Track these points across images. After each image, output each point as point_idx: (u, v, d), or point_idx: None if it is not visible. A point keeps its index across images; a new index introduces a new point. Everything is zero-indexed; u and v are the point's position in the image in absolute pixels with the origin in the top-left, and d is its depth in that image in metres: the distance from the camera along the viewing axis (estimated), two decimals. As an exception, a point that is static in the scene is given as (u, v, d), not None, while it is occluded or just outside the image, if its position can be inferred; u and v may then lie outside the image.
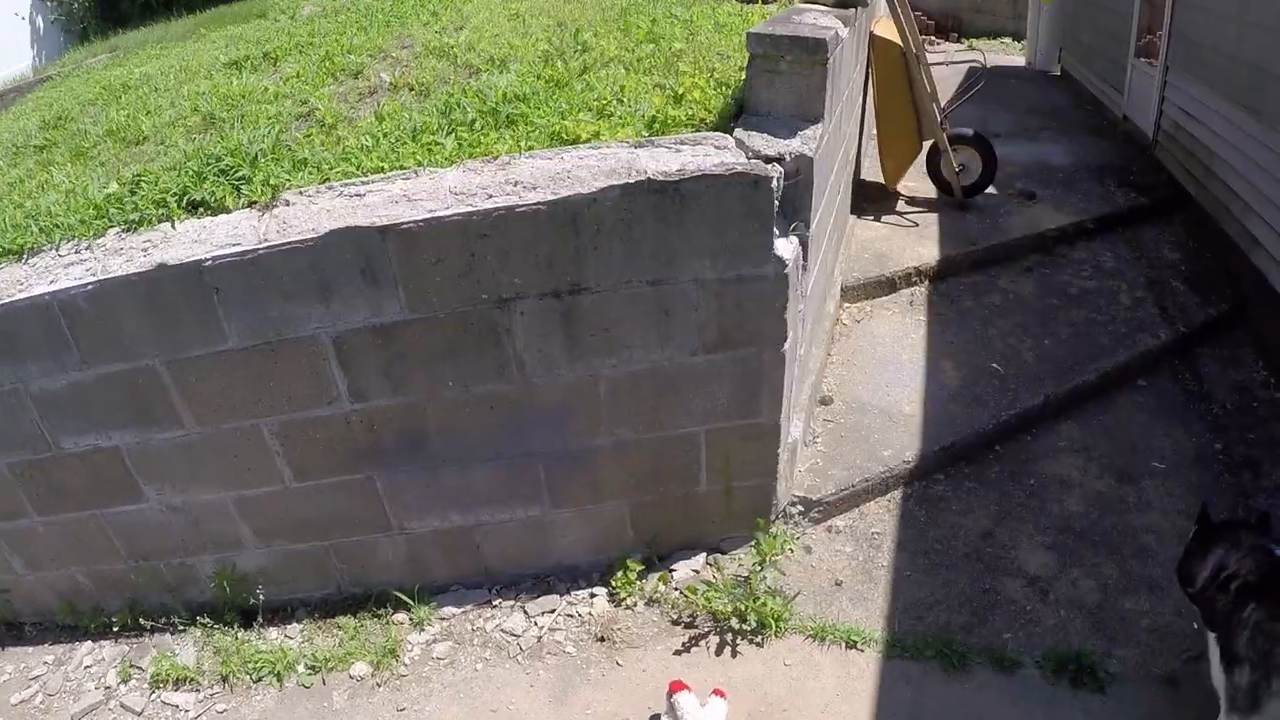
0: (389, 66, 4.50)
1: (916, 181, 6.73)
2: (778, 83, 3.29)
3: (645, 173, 2.90)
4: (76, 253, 3.25)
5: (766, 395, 3.40)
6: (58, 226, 3.39)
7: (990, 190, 6.60)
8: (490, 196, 2.94)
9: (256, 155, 3.55)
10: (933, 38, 14.03)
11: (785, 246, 3.12)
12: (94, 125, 4.63)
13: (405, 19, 5.56)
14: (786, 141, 3.16)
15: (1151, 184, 7.17)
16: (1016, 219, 6.37)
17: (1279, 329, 5.03)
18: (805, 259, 3.37)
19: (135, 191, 3.49)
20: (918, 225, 6.24)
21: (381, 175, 3.24)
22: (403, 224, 2.95)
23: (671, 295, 3.10)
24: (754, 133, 3.19)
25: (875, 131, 6.35)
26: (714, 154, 3.04)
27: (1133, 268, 6.06)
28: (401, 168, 3.28)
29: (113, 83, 5.57)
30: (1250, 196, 5.36)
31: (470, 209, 2.92)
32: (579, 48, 4.25)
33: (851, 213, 6.05)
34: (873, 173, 6.77)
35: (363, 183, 3.20)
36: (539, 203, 2.90)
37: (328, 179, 3.34)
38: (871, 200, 6.55)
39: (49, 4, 10.31)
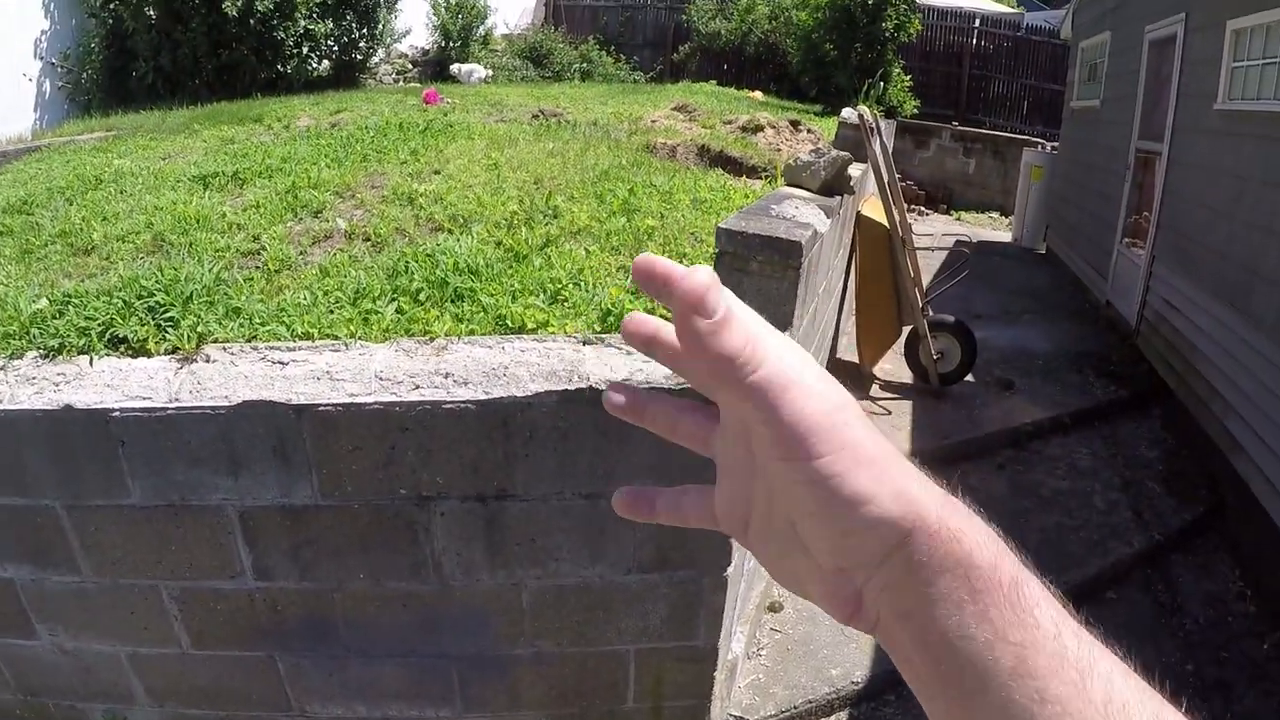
0: (351, 209, 4.32)
1: (893, 364, 6.57)
2: (746, 284, 3.08)
3: (588, 379, 2.65)
4: (-10, 373, 2.98)
5: (705, 618, 3.10)
6: (-20, 337, 3.13)
7: (968, 377, 6.44)
8: (417, 387, 2.69)
9: (191, 295, 3.32)
10: (922, 208, 14.26)
11: (737, 467, 2.86)
12: (51, 221, 4.43)
13: (384, 154, 5.43)
14: (749, 352, 2.93)
15: (1131, 375, 7.09)
16: (992, 410, 6.20)
17: (1257, 537, 4.84)
18: (760, 474, 3.11)
19: (62, 313, 3.24)
20: (890, 413, 6.03)
21: (309, 343, 2.99)
22: (320, 405, 2.69)
23: (608, 511, 2.81)
24: (715, 338, 2.97)
25: (855, 311, 6.20)
26: (667, 362, 2.80)
27: (1108, 466, 5.90)
28: (333, 336, 3.04)
29: (87, 173, 5.40)
30: (1233, 396, 5.24)
31: (394, 398, 2.66)
32: (549, 212, 4.07)
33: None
34: (849, 351, 6.60)
35: (289, 349, 2.96)
36: (468, 401, 2.64)
37: (255, 336, 3.10)
38: (846, 382, 6.23)
39: (59, 70, 10.29)
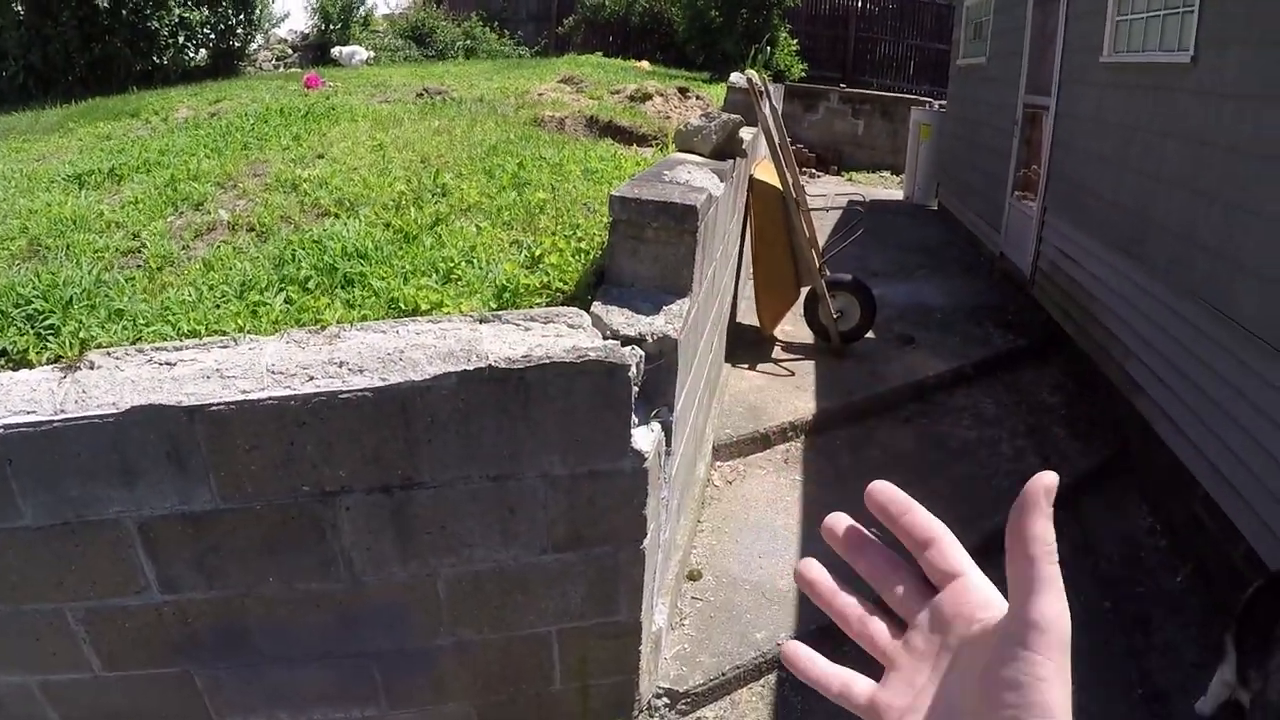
0: (233, 199, 4.16)
1: (794, 326, 6.60)
2: (642, 251, 3.03)
3: (487, 358, 2.58)
4: None
5: (625, 593, 3.07)
6: None
7: (868, 335, 6.50)
8: (311, 378, 2.59)
9: (70, 300, 3.16)
10: (813, 170, 14.39)
11: (645, 437, 2.82)
12: (-83, 234, 4.17)
13: (265, 141, 5.25)
14: (649, 320, 2.89)
15: (1029, 324, 7.23)
16: (894, 366, 6.27)
17: (1163, 475, 4.97)
18: (669, 444, 3.08)
19: (-65, 327, 3.06)
20: (793, 374, 6.05)
21: (197, 341, 2.87)
22: (212, 405, 2.58)
23: (517, 492, 2.77)
24: (614, 308, 2.92)
25: (752, 275, 6.21)
26: (567, 335, 2.74)
27: (1013, 414, 6.00)
28: (221, 332, 2.92)
29: (-44, 180, 5.09)
30: (1131, 341, 5.36)
31: (288, 392, 2.56)
32: (437, 191, 3.97)
33: (726, 360, 5.84)
34: (749, 315, 6.60)
35: (175, 349, 2.83)
36: (365, 389, 2.55)
37: (140, 337, 2.96)
38: (747, 346, 6.36)
39: None
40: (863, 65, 17.68)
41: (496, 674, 3.21)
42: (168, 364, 2.77)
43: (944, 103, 12.68)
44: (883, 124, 15.55)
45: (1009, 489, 5.00)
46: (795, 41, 14.34)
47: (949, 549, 0.63)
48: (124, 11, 9.98)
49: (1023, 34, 8.27)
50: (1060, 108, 7.10)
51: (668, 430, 3.02)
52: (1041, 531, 0.56)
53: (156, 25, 10.37)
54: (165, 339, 2.93)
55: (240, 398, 2.58)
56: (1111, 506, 5.16)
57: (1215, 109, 4.53)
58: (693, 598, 4.06)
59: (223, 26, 11.79)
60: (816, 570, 0.71)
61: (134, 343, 2.94)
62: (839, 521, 0.69)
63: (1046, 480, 0.57)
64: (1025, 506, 0.57)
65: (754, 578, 4.19)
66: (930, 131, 11.93)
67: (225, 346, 2.81)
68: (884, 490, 0.65)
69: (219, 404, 2.58)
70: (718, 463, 5.10)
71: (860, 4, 17.72)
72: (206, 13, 11.24)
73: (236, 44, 12.28)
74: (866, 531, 0.69)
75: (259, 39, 13.32)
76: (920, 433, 5.66)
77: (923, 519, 0.64)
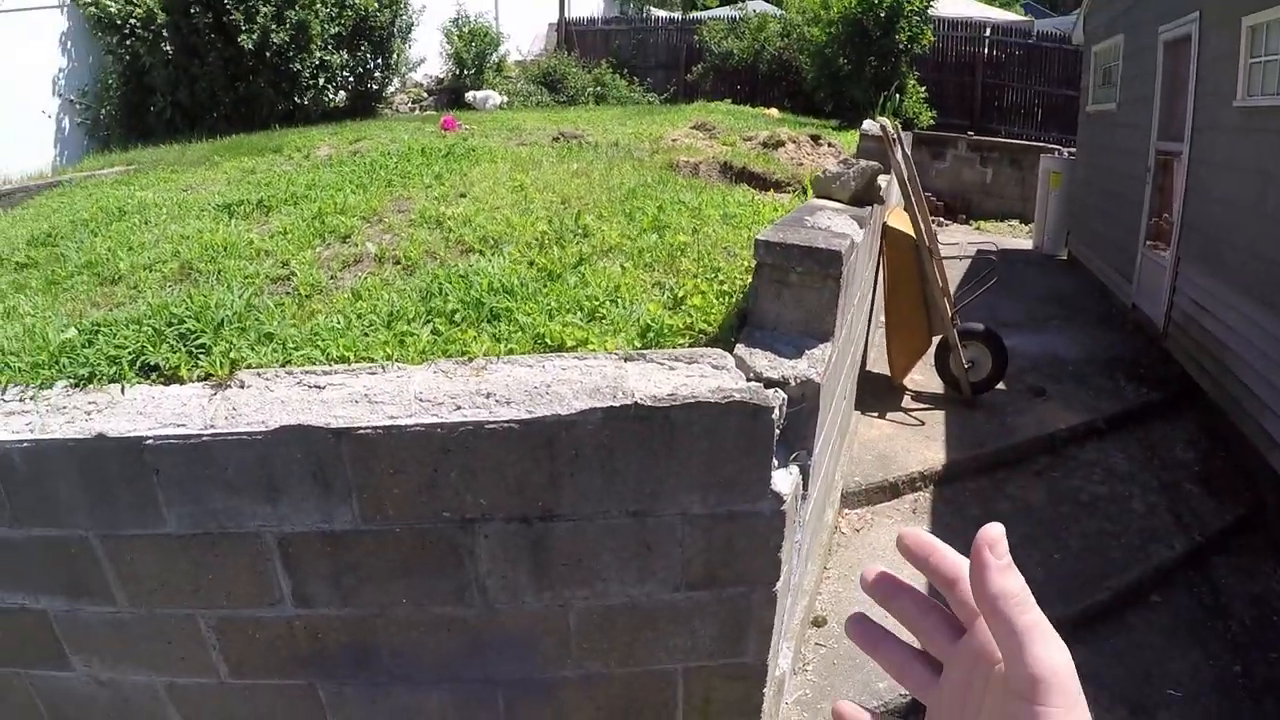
0: (379, 234, 4.30)
1: (924, 375, 6.52)
2: (785, 295, 3.04)
3: (632, 396, 2.61)
4: (21, 401, 2.95)
5: (754, 635, 3.05)
6: (8, 367, 3.11)
7: (999, 385, 6.39)
8: (459, 408, 2.65)
9: (222, 321, 3.31)
10: (942, 219, 14.26)
11: (784, 480, 2.81)
12: (77, 252, 4.43)
13: (408, 179, 5.43)
14: (792, 363, 2.89)
15: (1162, 377, 7.04)
16: (1026, 418, 6.14)
17: None
18: (805, 487, 3.06)
19: (92, 342, 3.22)
20: (923, 424, 5.98)
21: (346, 366, 2.97)
22: (360, 429, 2.66)
23: (655, 529, 2.79)
24: (757, 350, 2.92)
25: (884, 322, 6.16)
26: (711, 375, 2.76)
27: (1145, 469, 5.84)
28: (369, 359, 3.02)
29: (110, 205, 5.41)
30: (1267, 394, 5.22)
31: (435, 420, 2.63)
32: (579, 232, 4.04)
33: (855, 408, 5.79)
34: (879, 363, 6.55)
35: (324, 373, 2.93)
36: (512, 421, 2.60)
37: (290, 360, 3.07)
38: (877, 395, 6.32)
39: (78, 106, 10.43)
40: (990, 112, 17.44)
41: (619, 708, 3.21)
42: (316, 387, 2.86)
43: (1073, 150, 12.44)
44: (1011, 172, 15.31)
45: (1140, 546, 4.90)
46: (923, 89, 14.26)
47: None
48: (268, 54, 10.45)
49: (1153, 79, 8.10)
50: (1193, 154, 6.93)
51: (805, 474, 3.01)
52: (1001, 587, 0.56)
53: (299, 67, 10.82)
54: (314, 363, 3.04)
55: (388, 423, 2.65)
56: (1244, 568, 5.00)
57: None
58: (816, 644, 4.01)
59: (361, 70, 12.25)
60: (861, 625, 0.74)
61: (283, 365, 3.05)
62: (870, 571, 0.71)
63: (990, 534, 0.57)
64: (975, 568, 0.57)
65: (879, 627, 4.13)
66: (1060, 179, 11.70)
67: (373, 373, 2.90)
68: (912, 535, 0.65)
69: (366, 428, 2.66)
70: (845, 510, 5.05)
71: (987, 51, 17.50)
72: (346, 56, 11.68)
73: (374, 86, 12.73)
74: (897, 577, 0.71)
75: (396, 82, 13.77)
76: (1050, 486, 5.53)
77: (949, 559, 0.63)
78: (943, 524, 4.99)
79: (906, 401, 6.34)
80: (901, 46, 12.94)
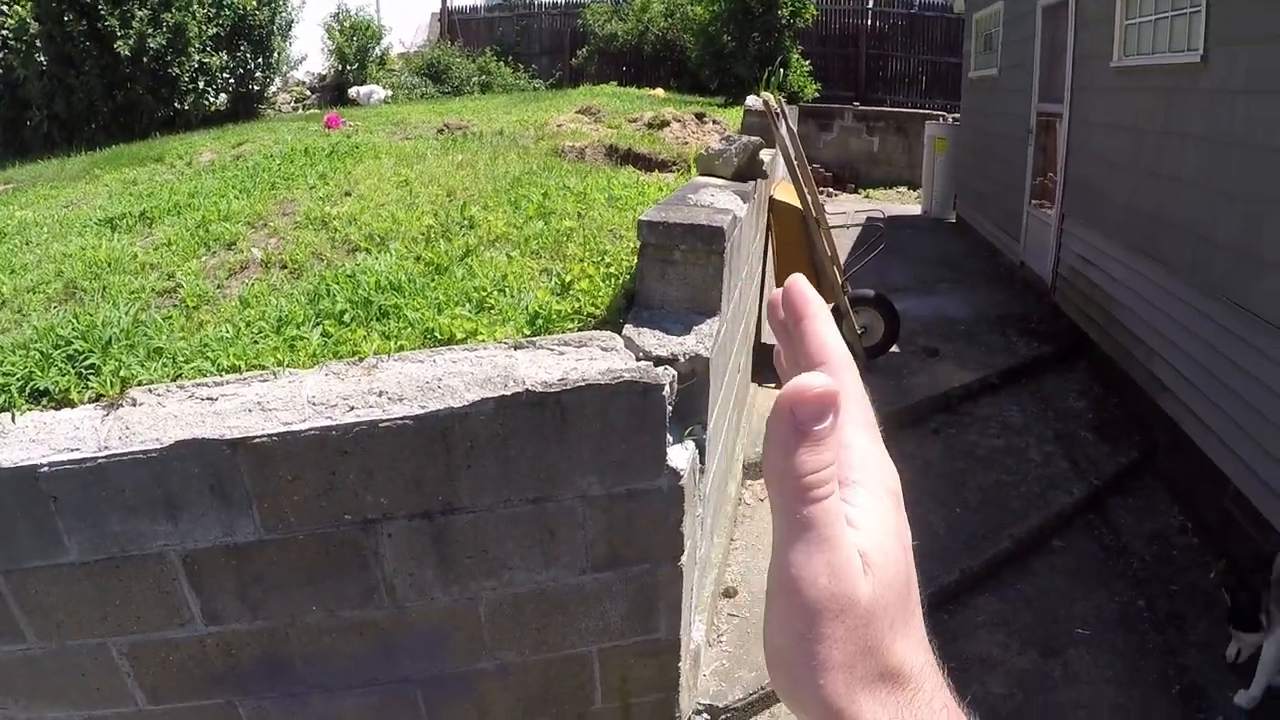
0: (264, 238, 4.24)
1: (820, 343, 6.61)
2: (671, 273, 3.09)
3: (523, 383, 2.63)
4: (-94, 440, 2.86)
5: (664, 610, 3.10)
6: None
7: (893, 349, 6.53)
8: (352, 408, 2.65)
9: (110, 340, 3.23)
10: (831, 189, 14.46)
11: (680, 455, 2.86)
12: (-46, 280, 4.27)
13: (292, 180, 5.34)
14: (680, 340, 2.94)
15: (1052, 331, 7.25)
16: (920, 378, 6.29)
17: (1191, 473, 5.01)
18: (703, 461, 3.12)
19: (-24, 372, 3.13)
20: (821, 391, 6.06)
21: (237, 375, 2.93)
22: (254, 438, 2.64)
23: (555, 514, 2.82)
24: (645, 329, 2.97)
25: (776, 293, 6.22)
26: (600, 358, 2.79)
27: (1040, 421, 6.02)
28: (260, 366, 2.98)
29: (-12, 228, 5.20)
30: (1154, 341, 5.38)
31: (329, 422, 2.62)
32: (465, 223, 4.03)
33: (752, 380, 5.87)
34: (773, 334, 6.61)
35: (216, 384, 2.89)
36: (405, 417, 2.61)
37: (181, 374, 3.03)
38: (771, 366, 6.33)
39: None
40: (875, 83, 17.75)
41: (538, 695, 3.25)
42: (209, 399, 2.83)
43: (958, 116, 12.71)
44: (897, 140, 15.60)
45: (1039, 494, 5.05)
46: (808, 63, 14.43)
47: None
48: (145, 59, 10.14)
49: (1033, 43, 8.33)
50: (1074, 114, 7.14)
51: (701, 448, 3.06)
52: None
53: (177, 71, 10.53)
54: (205, 375, 2.99)
55: (283, 429, 2.64)
56: (1141, 507, 5.19)
57: (1229, 107, 4.56)
58: (729, 614, 4.08)
59: (241, 71, 11.96)
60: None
61: (174, 379, 3.00)
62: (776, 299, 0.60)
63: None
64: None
65: (789, 593, 4.21)
66: (945, 145, 11.96)
67: (265, 380, 2.87)
68: (799, 286, 0.57)
69: (262, 436, 2.64)
70: (748, 481, 5.13)
71: (870, 22, 17.80)
72: (226, 58, 11.41)
73: (256, 87, 12.46)
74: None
75: (277, 82, 13.51)
76: (948, 443, 5.68)
77: (821, 341, 0.55)
78: (845, 488, 5.08)
79: (804, 370, 6.40)
80: (784, 21, 13.08)
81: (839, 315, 6.24)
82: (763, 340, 6.56)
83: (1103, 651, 4.04)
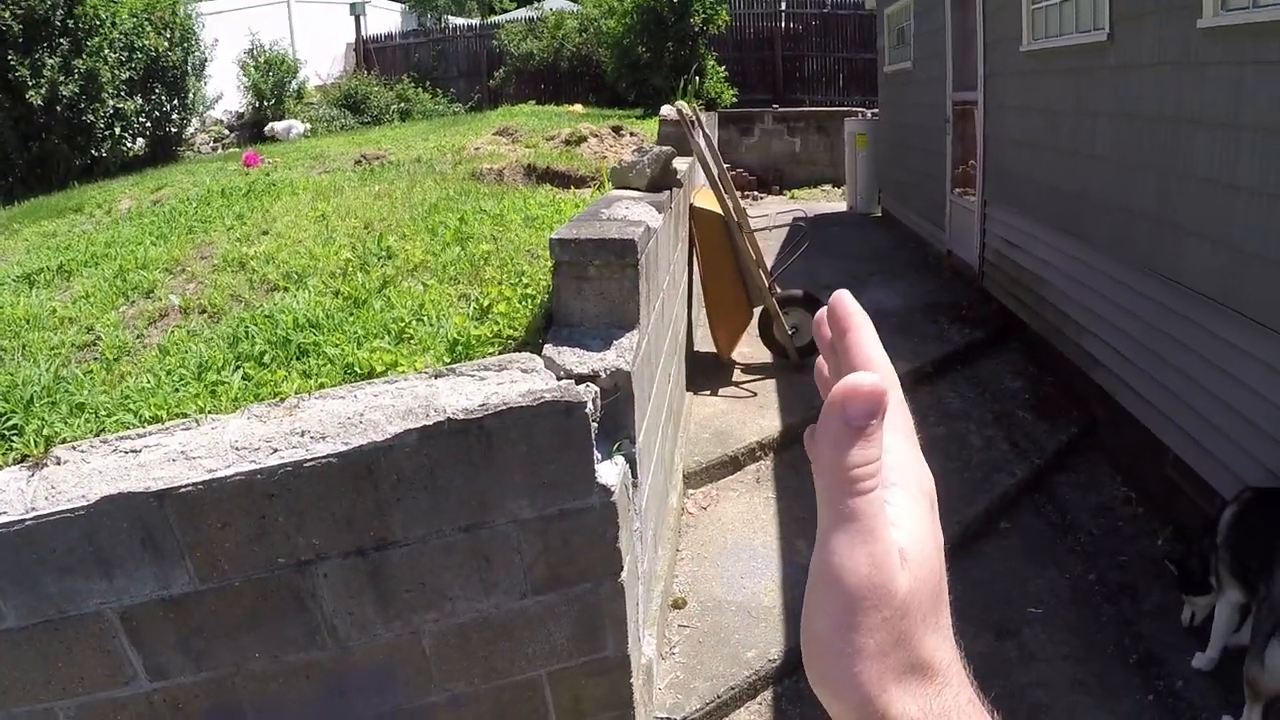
0: (183, 284, 4.19)
1: (751, 348, 6.65)
2: (587, 290, 3.09)
3: (445, 411, 2.62)
4: None
5: (610, 628, 3.09)
6: None
7: (826, 347, 6.56)
8: (275, 450, 2.62)
9: (32, 398, 3.18)
10: (755, 192, 14.56)
11: (609, 471, 2.86)
12: None
13: (210, 222, 5.29)
14: (601, 355, 2.94)
15: (983, 316, 7.33)
16: (856, 373, 6.32)
17: (1131, 444, 5.07)
18: (635, 475, 3.12)
19: (-104, 440, 3.06)
20: (756, 394, 6.12)
21: (160, 426, 2.89)
22: (180, 488, 2.60)
23: (489, 540, 2.80)
24: (565, 348, 2.97)
25: (704, 302, 6.27)
26: (521, 380, 2.79)
27: (978, 405, 6.08)
28: (183, 414, 2.95)
29: (-97, 289, 5.08)
30: (1083, 317, 5.46)
31: (254, 466, 2.59)
32: (383, 254, 4.02)
33: (687, 389, 5.89)
34: (706, 342, 6.65)
35: (139, 435, 2.85)
36: (330, 455, 2.58)
37: (104, 429, 2.98)
38: (707, 373, 6.42)
39: None
40: (793, 84, 17.91)
41: (492, 723, 3.23)
42: (133, 451, 2.78)
43: (876, 111, 12.85)
44: (819, 139, 15.75)
45: (983, 478, 5.09)
46: (723, 69, 14.51)
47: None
48: (58, 107, 9.97)
49: (944, 34, 8.43)
50: (988, 101, 7.24)
51: (632, 462, 3.06)
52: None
53: (92, 118, 10.37)
54: (128, 428, 2.95)
55: (207, 477, 2.60)
56: (1084, 482, 5.25)
57: (1137, 81, 4.65)
58: (680, 625, 4.08)
59: (158, 114, 11.81)
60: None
61: (98, 434, 2.95)
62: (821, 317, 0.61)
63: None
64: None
65: (738, 598, 4.23)
66: (866, 140, 12.08)
67: (188, 428, 2.83)
68: (843, 301, 0.59)
69: (187, 485, 2.60)
70: (690, 490, 5.14)
71: (784, 24, 17.93)
72: (140, 101, 11.26)
73: (173, 130, 12.30)
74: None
75: (195, 123, 13.35)
76: (888, 435, 5.71)
77: (866, 353, 0.57)
78: (787, 489, 5.11)
79: (737, 375, 6.46)
80: (698, 29, 13.13)
81: (769, 318, 6.28)
82: (695, 348, 6.59)
83: (1057, 629, 4.07)
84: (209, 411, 2.94)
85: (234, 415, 2.86)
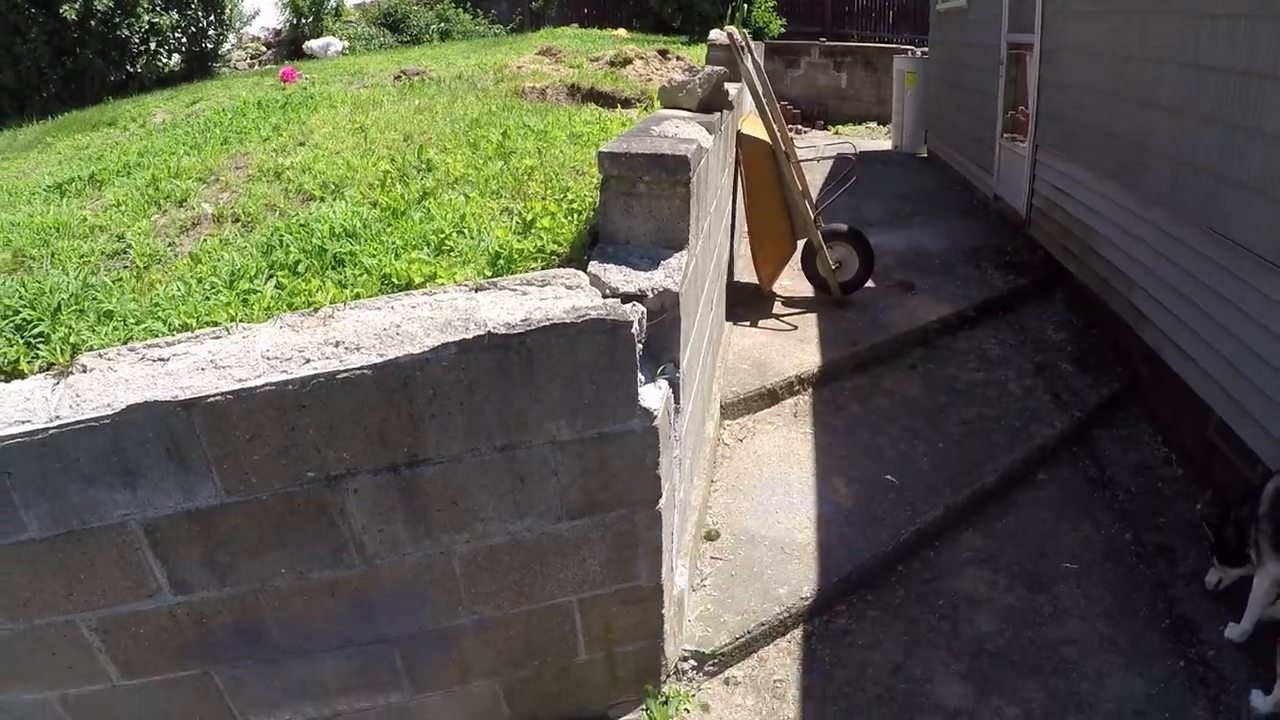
0: (216, 193, 4.10)
1: (792, 280, 6.54)
2: (635, 207, 2.96)
3: (485, 325, 2.52)
4: None
5: (644, 557, 3.01)
6: None
7: (868, 284, 6.44)
8: (308, 361, 2.53)
9: (59, 306, 3.12)
10: (800, 126, 14.33)
11: (653, 395, 2.76)
12: (-104, 255, 4.12)
13: (245, 134, 5.19)
14: (648, 275, 2.82)
15: (1028, 263, 7.18)
16: (897, 313, 6.21)
17: (1174, 404, 4.95)
18: (677, 400, 3.02)
19: (-77, 348, 3.01)
20: (796, 328, 6.00)
21: (190, 334, 2.81)
22: (208, 397, 2.52)
23: (526, 461, 2.71)
24: (611, 266, 2.85)
25: (747, 231, 6.13)
26: (565, 296, 2.68)
27: (1019, 353, 5.96)
28: (213, 323, 2.87)
29: (-69, 203, 5.04)
30: (1134, 271, 5.31)
31: (285, 376, 2.50)
32: (423, 166, 3.90)
33: (727, 319, 5.77)
34: (746, 273, 6.54)
35: (168, 344, 2.77)
36: (364, 366, 2.49)
37: (132, 336, 2.91)
38: (747, 304, 6.30)
39: None
40: (841, 18, 17.57)
41: (520, 649, 3.17)
42: (161, 360, 2.71)
43: (926, 50, 12.56)
44: (866, 75, 15.44)
45: (1021, 427, 4.99)
46: (772, -2, 14.23)
47: None
48: (92, 22, 9.90)
49: (1002, -29, 8.15)
50: (1045, 44, 7.00)
51: (675, 386, 2.96)
52: None
53: (127, 33, 10.30)
54: (157, 336, 2.88)
55: (237, 386, 2.52)
56: (1125, 438, 5.12)
57: (1209, 29, 4.43)
58: (712, 557, 4.01)
59: (194, 29, 11.72)
60: None
61: (125, 343, 2.89)
62: None
63: None
64: None
65: (772, 533, 4.15)
66: (915, 79, 11.82)
67: (218, 337, 2.75)
68: None
69: (215, 395, 2.52)
70: (726, 421, 5.05)
71: (836, -44, 17.58)
72: (176, 16, 11.15)
73: (209, 45, 12.21)
74: None
75: (231, 39, 13.23)
76: (927, 378, 5.60)
77: None
78: (824, 424, 5.02)
79: (777, 308, 6.34)
80: (748, -45, 12.88)
81: (812, 251, 6.14)
82: (736, 278, 6.47)
83: (1090, 585, 3.99)
84: (241, 320, 2.86)
85: (266, 325, 2.77)
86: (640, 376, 2.71)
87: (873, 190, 9.00)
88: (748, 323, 6.06)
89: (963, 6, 10.00)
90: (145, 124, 6.61)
